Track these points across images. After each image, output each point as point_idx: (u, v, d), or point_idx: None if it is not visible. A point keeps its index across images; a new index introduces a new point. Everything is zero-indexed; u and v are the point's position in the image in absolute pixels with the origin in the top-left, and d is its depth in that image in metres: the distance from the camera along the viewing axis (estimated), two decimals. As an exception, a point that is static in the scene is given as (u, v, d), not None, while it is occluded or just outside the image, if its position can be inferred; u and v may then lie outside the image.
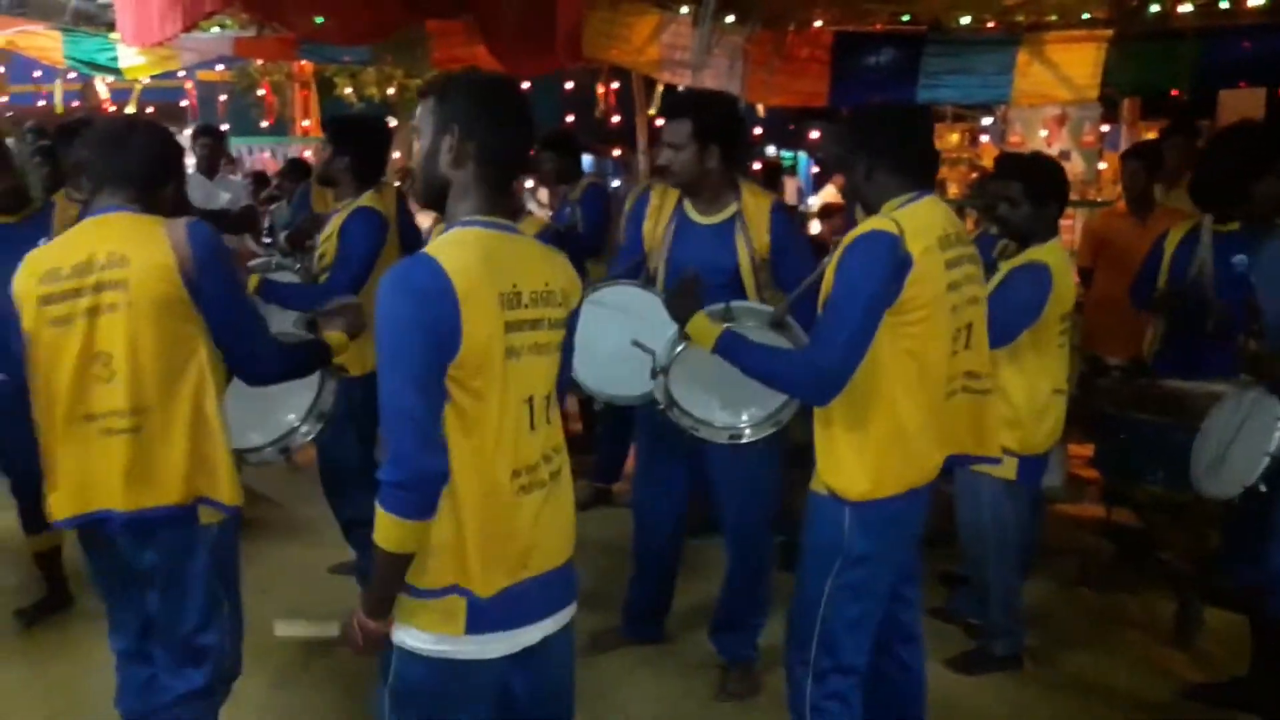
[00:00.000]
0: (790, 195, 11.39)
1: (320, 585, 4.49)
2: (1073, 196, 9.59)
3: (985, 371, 2.76)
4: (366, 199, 4.01)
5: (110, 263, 2.39)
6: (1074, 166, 10.71)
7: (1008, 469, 3.52)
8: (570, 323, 2.12)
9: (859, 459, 2.59)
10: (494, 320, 1.88)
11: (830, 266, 2.57)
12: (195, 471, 2.51)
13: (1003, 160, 4.28)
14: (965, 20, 6.36)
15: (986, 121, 10.33)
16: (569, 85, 10.20)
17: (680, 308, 2.84)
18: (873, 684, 2.81)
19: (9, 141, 4.24)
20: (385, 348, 1.84)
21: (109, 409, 2.43)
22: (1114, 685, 3.86)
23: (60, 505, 2.54)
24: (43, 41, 8.14)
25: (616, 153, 13.23)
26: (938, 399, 2.62)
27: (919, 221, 2.53)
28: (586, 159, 15.62)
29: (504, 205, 2.02)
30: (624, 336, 3.17)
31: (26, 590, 4.37)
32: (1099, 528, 5.06)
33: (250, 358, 2.59)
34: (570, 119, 11.68)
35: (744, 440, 3.17)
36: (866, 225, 2.54)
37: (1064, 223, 7.79)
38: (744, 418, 3.16)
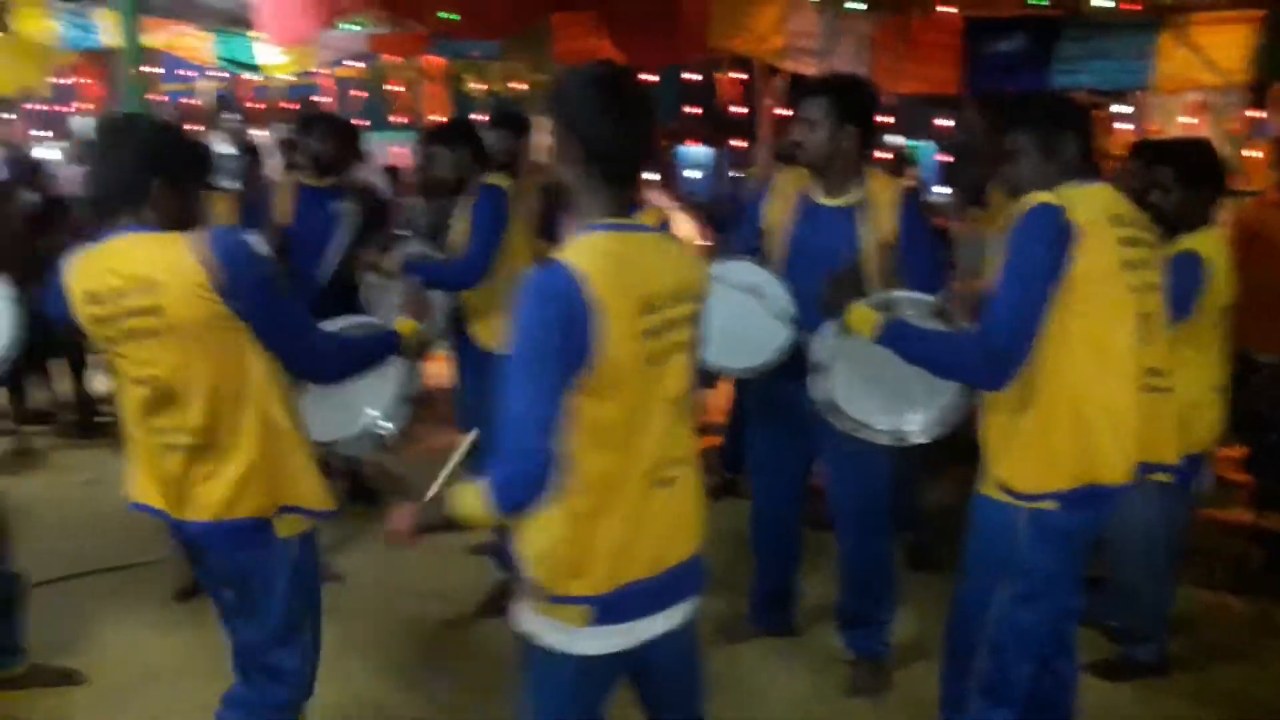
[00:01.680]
0: (911, 186, 11.12)
1: (459, 564, 4.61)
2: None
3: (1166, 368, 2.59)
4: (491, 177, 4.11)
5: (140, 289, 2.24)
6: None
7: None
8: (701, 316, 2.08)
9: (1033, 448, 2.45)
10: (631, 328, 1.84)
11: (1000, 245, 2.50)
12: (272, 481, 2.40)
13: (1149, 145, 4.10)
14: (1103, 2, 6.13)
15: (1120, 109, 9.92)
16: (688, 76, 10.20)
17: (837, 299, 2.74)
18: (1025, 694, 2.69)
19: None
20: (516, 350, 1.82)
21: (172, 426, 2.34)
22: (1262, 697, 3.69)
23: (133, 488, 2.48)
24: (193, 42, 8.59)
25: (735, 143, 13.17)
26: (1127, 391, 2.46)
27: (1087, 198, 2.42)
28: (706, 150, 15.68)
29: (629, 203, 1.97)
30: (736, 311, 3.11)
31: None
32: (1248, 533, 4.83)
33: (305, 359, 2.46)
34: (690, 109, 11.71)
35: (909, 443, 3.00)
36: (1030, 200, 2.44)
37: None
38: (909, 420, 2.97)
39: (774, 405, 3.51)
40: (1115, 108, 9.84)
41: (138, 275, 2.24)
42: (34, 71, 9.46)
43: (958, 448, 3.23)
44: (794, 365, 3.17)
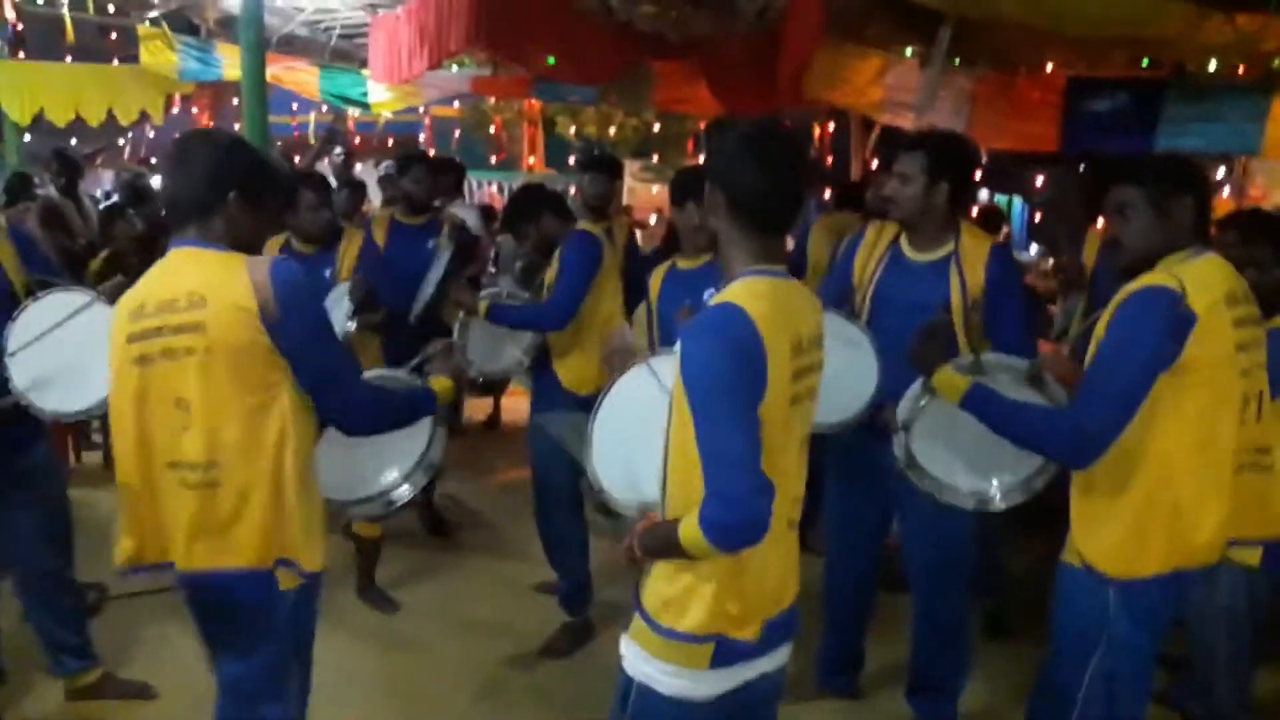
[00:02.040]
0: (1008, 248, 10.91)
1: (525, 601, 4.64)
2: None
3: (1270, 445, 2.55)
4: (583, 224, 4.17)
5: (190, 304, 2.19)
6: (1327, 224, 9.83)
7: (1252, 554, 3.24)
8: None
9: (1123, 532, 2.40)
10: (787, 368, 1.92)
11: (1102, 321, 2.46)
12: (275, 531, 2.30)
13: (1247, 217, 3.96)
14: (1213, 66, 5.99)
15: (1223, 173, 9.65)
16: (786, 124, 10.24)
17: (926, 356, 2.70)
18: None
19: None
20: (703, 393, 1.86)
21: (186, 459, 2.25)
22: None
23: (128, 550, 2.36)
24: (303, 77, 8.95)
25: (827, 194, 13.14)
26: (1223, 472, 2.40)
27: (1203, 277, 2.37)
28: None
29: (776, 252, 2.04)
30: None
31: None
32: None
33: (341, 408, 2.37)
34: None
35: (992, 508, 2.92)
36: (1146, 280, 2.39)
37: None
38: (994, 483, 2.87)
39: (854, 462, 3.47)
40: (1221, 171, 9.60)
41: (189, 289, 2.19)
42: (154, 100, 9.96)
43: (1042, 513, 3.15)
44: (876, 422, 3.13)
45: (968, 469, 2.89)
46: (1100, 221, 5.50)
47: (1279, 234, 3.35)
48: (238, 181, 2.28)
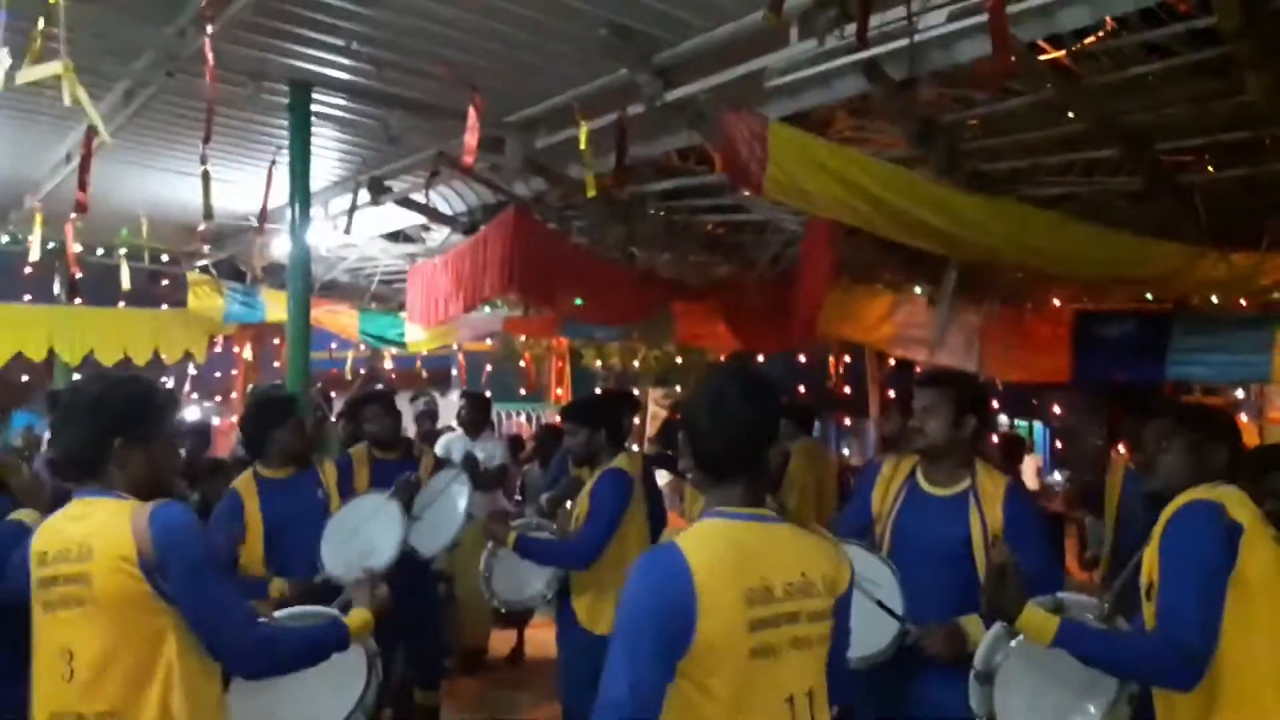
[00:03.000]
0: (1029, 475, 10.95)
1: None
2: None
3: None
4: (618, 460, 4.28)
5: (80, 555, 2.18)
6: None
7: None
8: (839, 611, 2.02)
9: None
10: (735, 618, 1.85)
11: (1151, 546, 2.52)
12: None
13: (1261, 454, 4.05)
14: (1215, 299, 6.23)
15: (1240, 394, 9.80)
16: (802, 358, 10.56)
17: (1006, 598, 2.56)
18: None
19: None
20: (618, 630, 1.86)
21: (67, 709, 2.18)
22: None
23: None
24: (343, 319, 9.41)
25: (847, 422, 13.35)
26: None
27: (1236, 497, 2.46)
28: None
29: (754, 495, 2.02)
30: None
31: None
32: None
33: (232, 652, 2.27)
34: (802, 389, 12.03)
35: None
36: (1186, 497, 2.47)
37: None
38: None
39: (882, 698, 3.42)
40: (1239, 393, 9.75)
41: (80, 539, 2.18)
42: (198, 341, 10.44)
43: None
44: (902, 657, 3.11)
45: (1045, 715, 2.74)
46: (1122, 448, 5.59)
47: None
48: (120, 428, 2.26)
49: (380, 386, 7.96)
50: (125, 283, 8.53)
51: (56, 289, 10.32)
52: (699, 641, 1.82)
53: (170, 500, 2.29)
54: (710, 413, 2.01)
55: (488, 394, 7.53)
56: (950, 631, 2.96)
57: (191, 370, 12.69)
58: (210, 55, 4.13)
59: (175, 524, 2.20)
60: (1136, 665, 2.50)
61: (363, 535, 4.14)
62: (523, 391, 12.61)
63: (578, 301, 6.70)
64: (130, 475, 2.27)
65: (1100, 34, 4.16)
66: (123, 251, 8.74)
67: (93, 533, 2.19)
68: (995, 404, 12.45)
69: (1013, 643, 2.66)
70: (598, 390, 11.95)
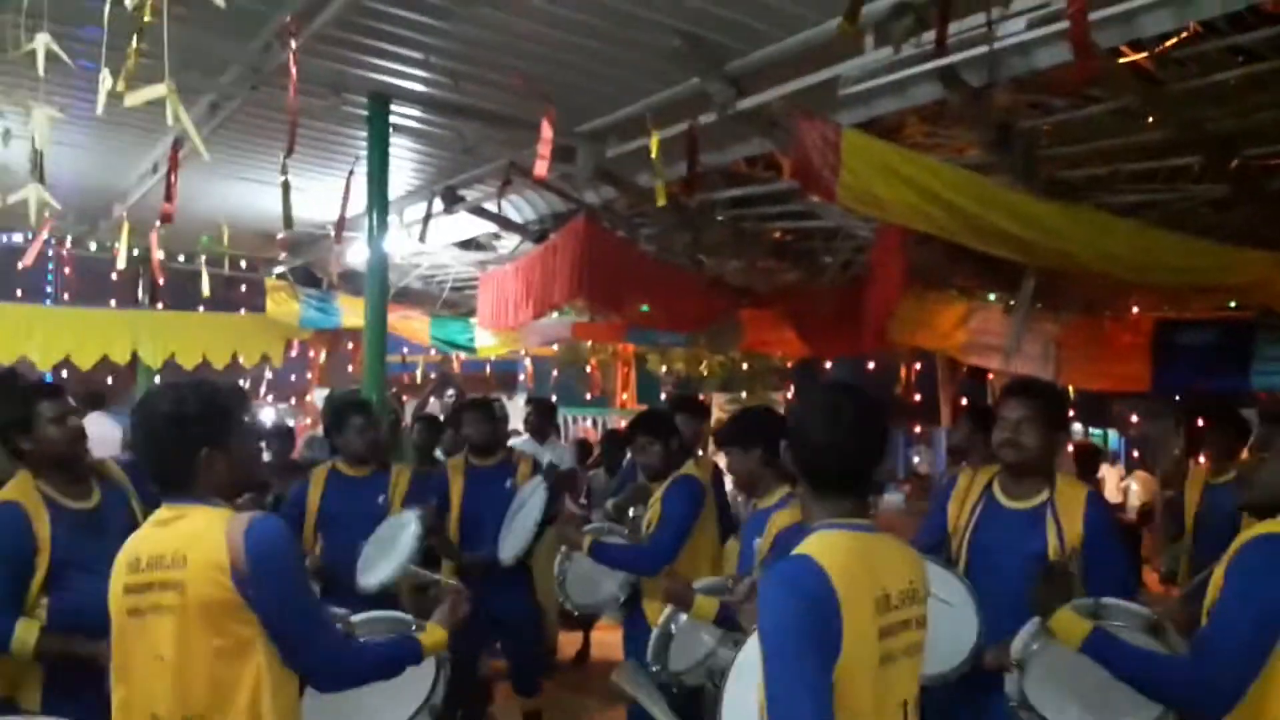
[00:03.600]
0: (1111, 489, 10.65)
1: None
2: None
3: None
4: (688, 467, 4.30)
5: (174, 562, 2.24)
6: None
7: None
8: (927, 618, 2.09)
9: None
10: (870, 627, 1.88)
11: (1220, 567, 2.44)
12: None
13: None
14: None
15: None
16: (871, 365, 10.47)
17: (1046, 598, 2.62)
18: None
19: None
20: (775, 649, 1.85)
21: (159, 713, 2.24)
22: None
23: None
24: (415, 325, 9.58)
25: (917, 429, 13.20)
26: None
27: None
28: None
29: (862, 505, 2.06)
30: None
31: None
32: None
33: (313, 667, 2.34)
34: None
35: None
36: (1265, 527, 2.32)
37: None
38: None
39: (954, 715, 3.38)
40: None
41: (175, 547, 2.24)
42: (274, 345, 10.70)
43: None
44: (976, 673, 3.08)
45: (1083, 714, 2.78)
46: (1202, 458, 5.45)
47: None
48: (203, 438, 2.30)
49: (453, 391, 8.10)
50: (205, 289, 8.78)
51: (140, 294, 10.66)
52: (845, 651, 1.84)
53: (267, 514, 2.36)
54: (827, 429, 2.03)
55: (553, 399, 7.61)
56: (996, 656, 2.91)
57: (268, 374, 13.02)
58: (294, 69, 4.25)
59: (269, 538, 2.24)
60: (1158, 686, 2.44)
61: (393, 547, 4.13)
62: (588, 396, 12.70)
63: (644, 308, 6.73)
64: (217, 480, 2.32)
65: (1184, 35, 4.07)
66: (203, 258, 9.01)
67: (187, 541, 2.24)
68: (1071, 412, 12.26)
69: (1033, 639, 2.68)
70: (663, 397, 12.00)
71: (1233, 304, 6.43)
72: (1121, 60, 4.19)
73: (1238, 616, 2.26)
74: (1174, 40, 4.06)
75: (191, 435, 2.28)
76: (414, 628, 2.66)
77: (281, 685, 2.28)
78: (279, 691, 2.26)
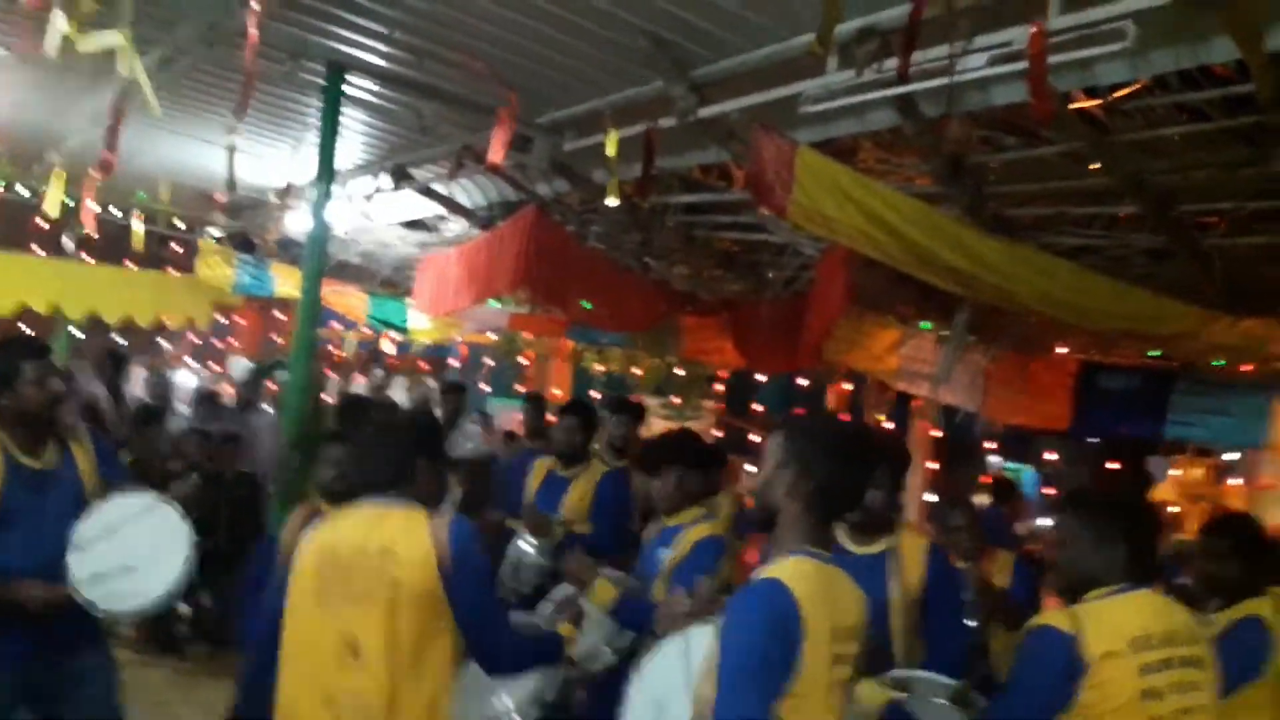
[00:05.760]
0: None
1: None
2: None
3: None
4: (711, 526, 3.75)
5: (380, 553, 2.49)
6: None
7: None
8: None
9: None
10: (826, 651, 1.97)
11: (1017, 643, 2.55)
12: None
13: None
14: (1220, 362, 6.24)
15: (1234, 457, 9.80)
16: (802, 381, 10.56)
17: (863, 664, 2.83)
18: None
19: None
20: (733, 661, 1.93)
21: (351, 690, 2.47)
22: None
23: None
24: (352, 301, 9.41)
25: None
26: None
27: (1110, 620, 2.43)
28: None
29: (828, 537, 2.19)
30: None
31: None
32: None
33: (492, 653, 2.65)
34: (799, 411, 12.04)
35: None
36: (1043, 618, 2.49)
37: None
38: None
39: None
40: (1232, 456, 9.75)
41: (381, 542, 2.49)
42: (202, 309, 10.43)
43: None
44: None
45: None
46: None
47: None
48: (423, 450, 2.69)
49: (381, 370, 7.99)
50: (139, 244, 8.52)
51: (65, 243, 10.31)
52: (803, 673, 1.93)
53: (461, 516, 2.71)
54: (842, 465, 2.14)
55: (484, 386, 7.57)
56: None
57: (193, 337, 12.71)
58: (254, 30, 4.15)
59: (468, 536, 2.56)
60: None
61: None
62: (520, 389, 12.60)
63: (587, 305, 6.71)
64: (420, 489, 2.64)
65: (1135, 88, 4.18)
66: (136, 214, 8.74)
67: (394, 536, 2.50)
68: (993, 445, 12.47)
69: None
70: (595, 395, 11.96)
71: (1156, 353, 6.62)
72: (1073, 106, 4.29)
73: (1009, 710, 2.46)
74: (1125, 91, 4.17)
75: (417, 448, 2.68)
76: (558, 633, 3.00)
77: (456, 671, 2.58)
78: (453, 676, 2.56)
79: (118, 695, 3.62)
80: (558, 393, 12.23)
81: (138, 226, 8.59)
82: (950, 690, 2.84)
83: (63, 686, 3.37)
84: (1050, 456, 11.28)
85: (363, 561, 2.48)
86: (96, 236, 7.77)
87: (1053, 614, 2.47)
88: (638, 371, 11.92)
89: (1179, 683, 2.43)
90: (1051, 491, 12.34)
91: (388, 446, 2.66)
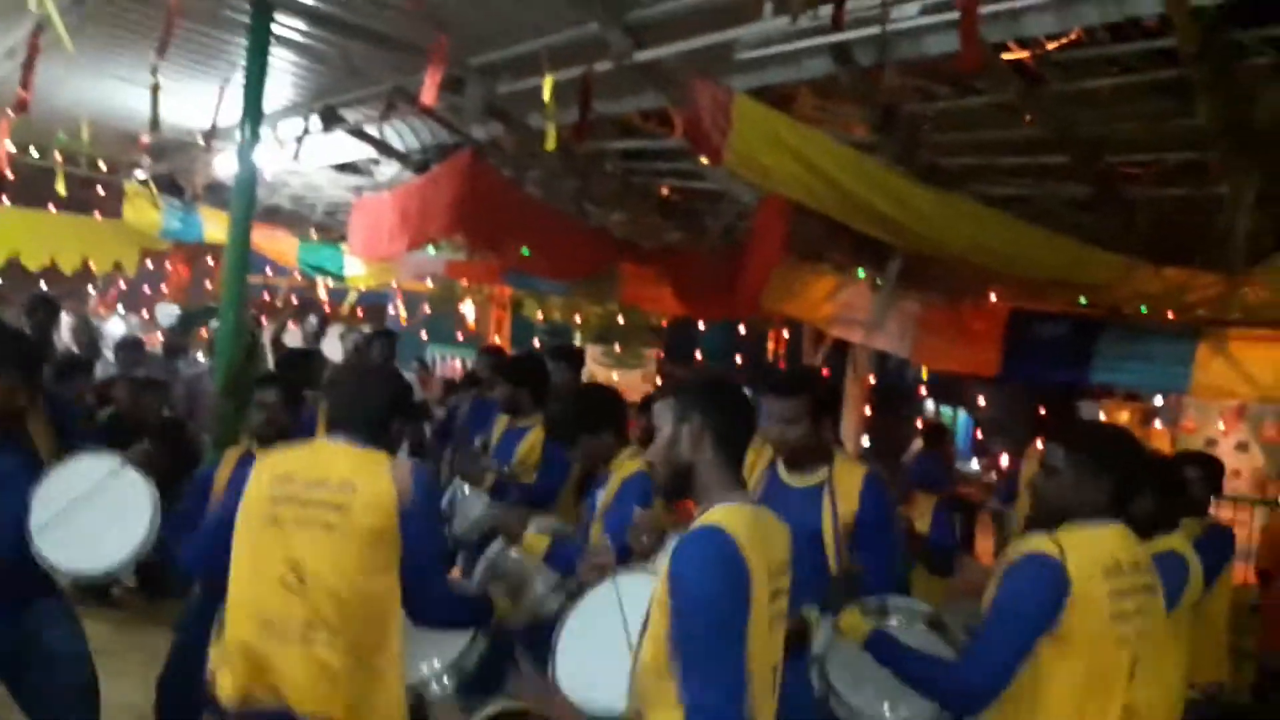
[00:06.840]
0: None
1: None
2: (1252, 494, 9.23)
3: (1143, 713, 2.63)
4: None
5: (340, 486, 2.57)
6: (1252, 459, 10.29)
7: None
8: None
9: None
10: (764, 591, 2.04)
11: (997, 570, 2.62)
12: (366, 692, 2.55)
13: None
14: (1144, 310, 6.40)
15: (1159, 402, 10.12)
16: (742, 329, 10.65)
17: (835, 597, 2.92)
18: None
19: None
20: (701, 619, 1.98)
21: (287, 615, 2.52)
22: None
23: (227, 687, 2.58)
24: (283, 246, 9.23)
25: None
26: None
27: (1088, 548, 2.54)
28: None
29: (741, 477, 2.26)
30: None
31: None
32: None
33: (423, 599, 2.70)
34: (740, 359, 12.14)
35: None
36: (1030, 545, 2.57)
37: (1240, 518, 7.53)
38: (903, 710, 2.88)
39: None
40: (1158, 401, 10.05)
41: (342, 476, 2.59)
42: (129, 254, 10.16)
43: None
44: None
45: (878, 696, 2.91)
46: (1039, 442, 5.78)
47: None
48: (401, 411, 2.84)
49: (315, 318, 7.86)
50: (61, 188, 8.24)
51: (-20, 186, 9.94)
52: (751, 614, 2.00)
53: (421, 461, 2.81)
54: (731, 406, 2.27)
55: (424, 334, 7.48)
56: (794, 625, 3.04)
57: (120, 284, 12.39)
58: (174, -36, 4.01)
59: (428, 480, 2.71)
60: (925, 686, 2.70)
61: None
62: (460, 336, 12.52)
63: (525, 252, 6.65)
64: (385, 441, 2.74)
65: (1066, 40, 4.22)
66: (57, 155, 8.44)
67: (355, 471, 2.60)
68: (923, 390, 12.71)
69: (828, 635, 2.91)
70: (536, 343, 11.91)
71: (1083, 301, 6.77)
72: (1005, 56, 4.32)
73: (998, 631, 2.54)
74: (1056, 45, 4.21)
75: (397, 407, 2.84)
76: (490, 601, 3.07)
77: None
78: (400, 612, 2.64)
79: (87, 666, 3.56)
80: (498, 341, 12.20)
81: (60, 169, 8.29)
82: (925, 614, 2.95)
83: (31, 656, 3.37)
84: (982, 402, 11.52)
85: (321, 492, 2.56)
86: (12, 178, 7.48)
87: (1037, 540, 2.57)
88: (579, 319, 11.91)
89: (1140, 608, 2.58)
90: (980, 435, 12.63)
91: (372, 397, 2.77)
